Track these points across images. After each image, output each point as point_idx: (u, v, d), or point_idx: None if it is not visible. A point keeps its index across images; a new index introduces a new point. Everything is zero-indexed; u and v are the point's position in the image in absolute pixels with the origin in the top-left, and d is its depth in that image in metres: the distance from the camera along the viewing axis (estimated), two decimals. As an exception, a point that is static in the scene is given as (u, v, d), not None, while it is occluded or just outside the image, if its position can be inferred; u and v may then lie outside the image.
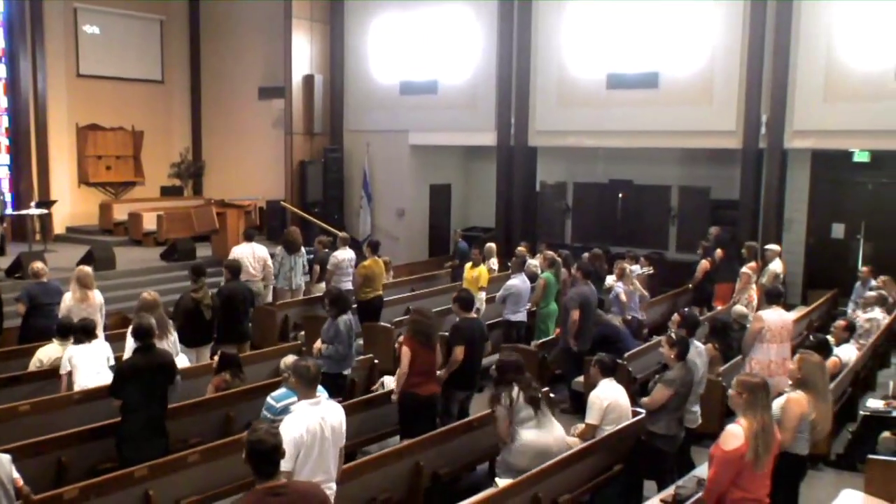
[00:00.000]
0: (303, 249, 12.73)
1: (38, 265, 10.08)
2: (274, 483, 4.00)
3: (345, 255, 12.35)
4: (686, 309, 7.79)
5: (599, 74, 15.86)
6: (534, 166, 17.61)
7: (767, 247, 12.58)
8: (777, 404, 5.68)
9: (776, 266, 12.07)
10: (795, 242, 14.99)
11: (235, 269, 10.21)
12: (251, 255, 11.95)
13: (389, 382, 8.06)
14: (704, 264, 12.81)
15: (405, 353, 7.27)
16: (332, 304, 8.31)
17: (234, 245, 16.03)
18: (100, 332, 8.91)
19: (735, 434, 4.91)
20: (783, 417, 5.65)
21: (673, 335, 6.90)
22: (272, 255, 12.36)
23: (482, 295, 11.62)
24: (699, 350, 7.29)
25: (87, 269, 9.60)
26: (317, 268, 13.15)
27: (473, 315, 8.32)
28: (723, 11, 14.50)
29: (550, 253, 11.75)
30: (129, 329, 7.57)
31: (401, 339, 8.42)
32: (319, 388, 7.19)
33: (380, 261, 11.80)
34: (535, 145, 17.15)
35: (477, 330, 8.12)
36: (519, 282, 10.84)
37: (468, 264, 12.07)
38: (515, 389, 6.27)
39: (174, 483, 5.74)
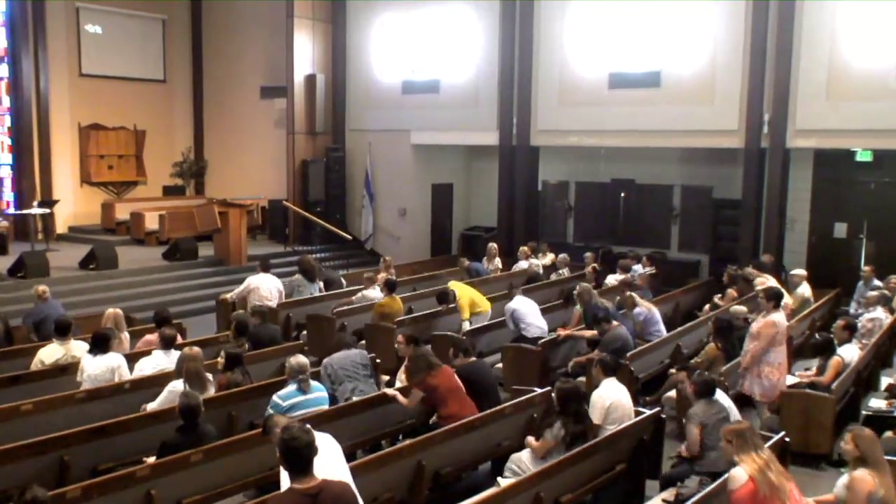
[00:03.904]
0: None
1: (41, 288, 10.02)
2: (309, 484, 3.99)
3: (374, 294, 12.00)
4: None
5: (601, 73, 15.86)
6: (536, 166, 17.61)
7: (793, 272, 12.51)
8: (841, 483, 5.51)
9: (805, 290, 12.04)
10: (798, 242, 14.98)
11: (262, 313, 9.99)
12: (271, 285, 12.00)
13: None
14: (731, 293, 12.46)
15: (416, 394, 7.19)
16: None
17: (235, 245, 16.22)
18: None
19: (737, 476, 5.06)
20: (850, 498, 5.43)
21: (695, 377, 6.85)
22: (289, 282, 12.51)
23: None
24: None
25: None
26: (320, 284, 13.21)
27: (473, 359, 7.98)
28: (725, 10, 14.49)
29: (587, 286, 11.49)
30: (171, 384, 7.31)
31: (399, 338, 8.43)
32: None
33: (397, 298, 11.42)
34: (536, 145, 17.15)
35: (475, 374, 7.72)
36: (514, 304, 10.63)
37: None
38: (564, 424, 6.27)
39: (176, 482, 5.73)
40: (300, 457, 3.98)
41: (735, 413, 6.80)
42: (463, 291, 11.53)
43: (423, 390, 7.14)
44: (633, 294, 10.99)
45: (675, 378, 8.30)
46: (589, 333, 9.96)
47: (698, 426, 6.52)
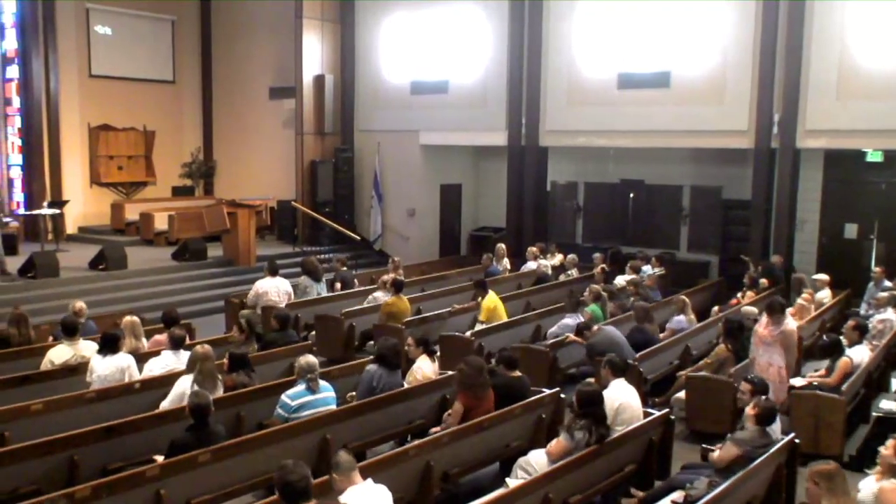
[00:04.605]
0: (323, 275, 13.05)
1: (79, 305, 9.77)
2: None
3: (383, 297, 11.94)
4: (757, 378, 7.34)
5: (610, 74, 15.83)
6: (544, 166, 17.58)
7: (815, 277, 12.48)
8: (870, 492, 5.30)
9: (825, 294, 12.03)
10: (808, 242, 14.93)
11: (285, 319, 9.80)
12: (276, 289, 12.00)
13: None
14: (751, 295, 12.53)
15: (457, 408, 7.05)
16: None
17: (244, 245, 16.25)
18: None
19: None
20: None
21: (762, 401, 6.35)
22: (296, 285, 12.49)
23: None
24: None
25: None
26: (338, 285, 13.23)
27: (519, 374, 7.73)
28: (735, 10, 14.44)
29: (596, 287, 11.53)
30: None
31: (410, 341, 8.40)
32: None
33: (404, 298, 11.53)
34: (545, 145, 17.13)
35: (511, 390, 7.50)
36: (572, 321, 10.52)
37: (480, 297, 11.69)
38: (584, 428, 6.16)
39: (185, 482, 5.73)
40: (295, 490, 4.35)
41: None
42: (493, 299, 11.44)
43: (465, 403, 7.01)
44: (685, 298, 10.92)
45: (741, 389, 7.24)
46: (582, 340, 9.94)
47: (741, 451, 6.05)
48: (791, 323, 8.45)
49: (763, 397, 6.48)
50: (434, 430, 7.32)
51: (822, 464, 5.05)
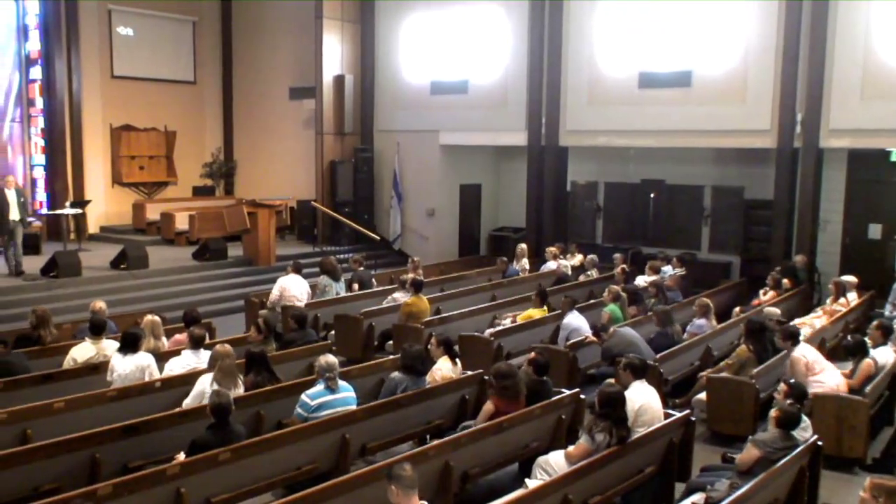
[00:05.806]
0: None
1: (99, 305, 9.71)
2: None
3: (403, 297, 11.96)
4: (793, 379, 7.29)
5: (631, 73, 15.75)
6: (564, 166, 17.53)
7: (844, 278, 12.35)
8: None
9: (852, 297, 11.93)
10: (831, 243, 14.79)
11: (302, 319, 9.86)
12: (300, 287, 12.11)
13: None
14: (773, 295, 12.47)
15: (487, 407, 7.05)
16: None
17: (264, 245, 16.32)
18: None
19: None
20: None
21: (786, 405, 6.39)
22: (315, 285, 12.63)
23: None
24: (805, 424, 6.65)
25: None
26: (355, 286, 13.25)
27: (545, 379, 7.67)
28: (757, 9, 14.34)
29: (615, 287, 11.47)
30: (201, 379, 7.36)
31: (433, 340, 8.40)
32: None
33: (423, 298, 11.51)
34: (565, 145, 17.07)
35: (537, 393, 7.47)
36: (572, 319, 10.52)
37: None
38: (605, 429, 6.14)
39: (206, 481, 5.75)
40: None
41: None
42: (544, 311, 11.40)
43: (497, 405, 7.00)
44: (708, 301, 10.83)
45: (777, 390, 7.26)
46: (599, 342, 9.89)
47: (761, 453, 6.01)
48: (800, 351, 8.38)
49: (788, 402, 6.45)
50: (467, 422, 7.35)
51: (886, 478, 4.88)
